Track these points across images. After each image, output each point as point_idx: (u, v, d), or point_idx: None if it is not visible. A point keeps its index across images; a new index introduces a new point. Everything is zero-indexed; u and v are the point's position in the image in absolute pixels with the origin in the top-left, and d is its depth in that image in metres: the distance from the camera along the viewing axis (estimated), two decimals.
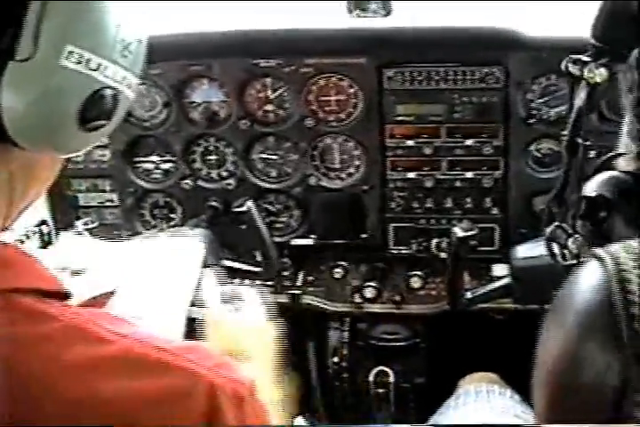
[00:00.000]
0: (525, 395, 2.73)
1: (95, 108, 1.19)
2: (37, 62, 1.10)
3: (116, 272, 2.02)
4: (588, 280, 1.25)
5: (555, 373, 1.29)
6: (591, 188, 1.59)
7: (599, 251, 1.26)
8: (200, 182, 3.10)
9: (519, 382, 2.82)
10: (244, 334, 1.91)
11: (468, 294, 2.53)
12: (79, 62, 1.13)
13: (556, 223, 1.73)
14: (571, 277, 1.31)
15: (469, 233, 2.42)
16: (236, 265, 2.76)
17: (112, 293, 1.88)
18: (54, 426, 1.07)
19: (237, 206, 2.69)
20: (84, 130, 1.19)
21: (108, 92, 1.20)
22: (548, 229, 1.76)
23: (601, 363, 1.18)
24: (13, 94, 1.10)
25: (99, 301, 1.85)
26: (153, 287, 2.00)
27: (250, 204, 2.67)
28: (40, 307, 1.12)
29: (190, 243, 2.21)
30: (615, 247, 1.25)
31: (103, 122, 1.22)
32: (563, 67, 1.61)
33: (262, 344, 1.91)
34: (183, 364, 1.16)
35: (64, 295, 1.21)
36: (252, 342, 1.89)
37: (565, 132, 1.71)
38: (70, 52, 1.12)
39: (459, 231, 2.41)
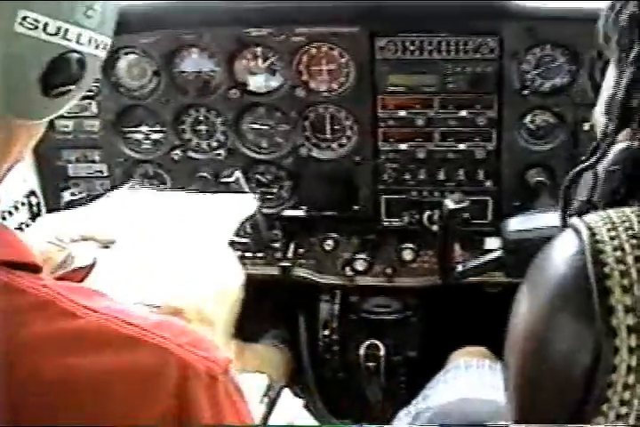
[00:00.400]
0: None
1: (59, 73, 1.14)
2: None
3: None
4: (562, 251, 1.22)
5: (525, 348, 1.26)
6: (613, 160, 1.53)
7: (575, 221, 1.22)
8: (190, 153, 3.07)
9: None
10: (209, 298, 1.82)
11: (459, 267, 2.50)
12: (35, 27, 1.08)
13: (583, 198, 1.66)
14: (545, 248, 1.27)
15: (460, 205, 2.39)
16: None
17: (92, 265, 1.84)
18: (15, 400, 1.05)
19: (226, 177, 2.67)
20: (48, 96, 1.15)
21: (73, 56, 1.15)
22: (575, 205, 1.69)
23: (572, 338, 1.15)
24: None
25: (77, 273, 1.82)
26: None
27: (238, 174, 2.65)
28: (8, 279, 1.09)
29: (241, 199, 2.19)
30: (592, 217, 1.22)
31: (69, 87, 1.18)
32: (623, 23, 1.51)
33: (225, 309, 1.82)
34: (155, 340, 1.12)
35: (35, 268, 1.17)
36: (216, 306, 1.80)
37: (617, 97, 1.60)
38: (24, 18, 1.07)
39: (450, 203, 2.38)
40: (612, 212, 1.22)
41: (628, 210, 1.21)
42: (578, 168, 1.56)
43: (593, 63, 2.72)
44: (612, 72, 1.46)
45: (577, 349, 1.14)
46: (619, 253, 1.13)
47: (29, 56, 1.11)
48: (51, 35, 1.11)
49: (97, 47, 1.21)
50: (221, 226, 2.03)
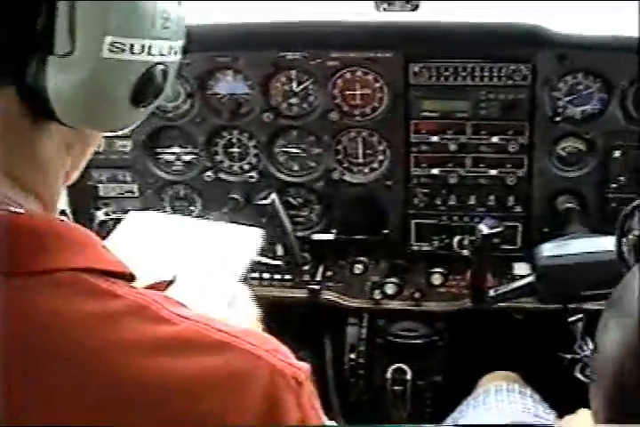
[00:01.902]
0: (545, 394, 2.73)
1: (147, 87, 1.19)
2: (78, 57, 1.10)
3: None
4: None
5: (615, 368, 1.26)
6: None
7: None
8: (221, 175, 3.08)
9: (538, 382, 2.82)
10: None
11: (491, 292, 2.51)
12: (122, 50, 1.13)
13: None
14: (629, 272, 1.28)
15: (495, 230, 2.40)
16: (257, 258, 2.76)
17: (172, 281, 1.87)
18: (106, 396, 1.07)
19: (262, 199, 2.68)
20: (136, 108, 1.21)
21: (158, 68, 1.20)
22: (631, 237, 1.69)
23: None
24: (59, 84, 1.10)
25: (160, 285, 1.85)
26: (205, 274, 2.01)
27: (274, 196, 2.66)
28: (106, 286, 1.13)
29: (249, 232, 2.20)
30: None
31: (156, 98, 1.23)
32: None
33: None
34: (245, 346, 1.16)
35: (129, 277, 1.22)
36: None
37: None
38: (111, 43, 1.11)
39: (484, 228, 2.39)
40: None
41: None
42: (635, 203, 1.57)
43: (625, 91, 2.73)
44: None
45: None
46: None
47: (118, 77, 1.16)
48: (137, 54, 1.15)
49: (175, 53, 1.25)
50: (232, 269, 2.06)
